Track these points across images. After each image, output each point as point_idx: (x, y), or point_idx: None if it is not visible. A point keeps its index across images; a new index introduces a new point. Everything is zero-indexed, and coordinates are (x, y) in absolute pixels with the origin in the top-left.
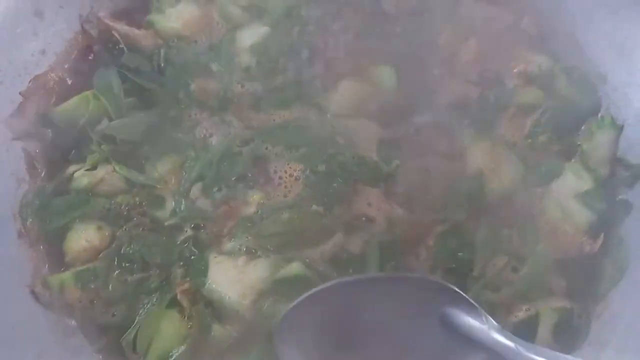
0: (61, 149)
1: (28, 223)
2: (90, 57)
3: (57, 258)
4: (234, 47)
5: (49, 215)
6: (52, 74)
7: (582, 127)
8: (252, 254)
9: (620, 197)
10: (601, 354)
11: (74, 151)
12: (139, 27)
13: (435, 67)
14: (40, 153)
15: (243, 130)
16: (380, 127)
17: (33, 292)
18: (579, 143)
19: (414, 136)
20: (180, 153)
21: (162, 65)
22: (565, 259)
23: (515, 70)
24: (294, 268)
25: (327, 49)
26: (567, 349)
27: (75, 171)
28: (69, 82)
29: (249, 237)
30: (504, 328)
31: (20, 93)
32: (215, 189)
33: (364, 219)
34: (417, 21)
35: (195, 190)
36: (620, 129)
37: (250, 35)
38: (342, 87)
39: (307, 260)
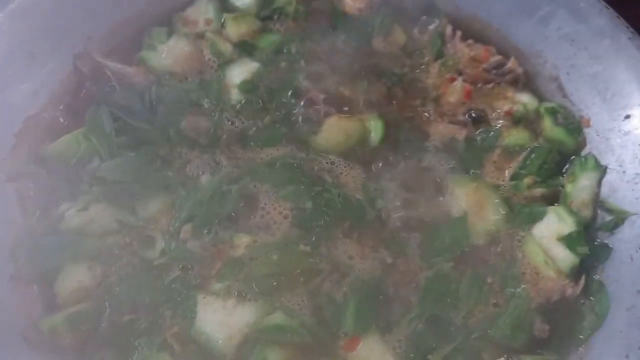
0: (54, 189)
1: (20, 264)
2: (82, 94)
3: (49, 300)
4: (223, 84)
5: (40, 256)
6: (44, 114)
7: (566, 169)
8: (241, 297)
9: (599, 240)
10: None
11: (66, 190)
12: (130, 64)
13: (422, 107)
14: (34, 193)
15: (232, 169)
16: (366, 168)
17: (25, 339)
18: (562, 185)
19: (400, 177)
20: (170, 192)
21: (154, 102)
22: (547, 303)
23: (500, 110)
24: (276, 318)
25: (316, 87)
26: None
27: (67, 211)
28: (62, 121)
29: (238, 280)
30: None
31: (13, 135)
32: (205, 230)
33: (347, 262)
34: (404, 62)
35: (185, 230)
36: (604, 170)
37: (240, 72)
38: (329, 125)
39: (292, 306)
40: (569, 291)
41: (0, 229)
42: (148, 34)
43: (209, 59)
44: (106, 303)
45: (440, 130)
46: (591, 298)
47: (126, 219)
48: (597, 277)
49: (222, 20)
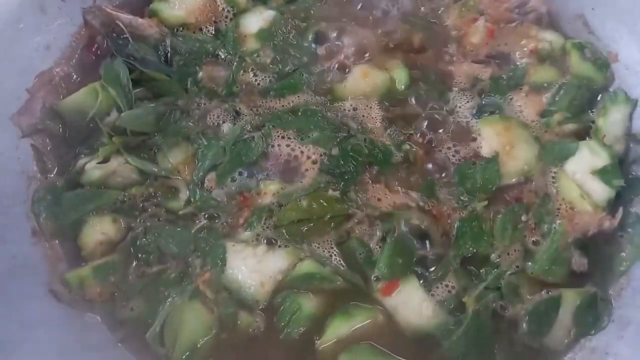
0: (71, 143)
1: (41, 220)
2: (94, 49)
3: (74, 253)
4: (240, 34)
5: (62, 210)
6: (57, 69)
7: (596, 104)
8: (271, 243)
9: (634, 174)
10: (624, 331)
11: (84, 144)
12: (142, 16)
13: (445, 49)
14: (50, 148)
15: (253, 117)
16: (391, 113)
17: (52, 291)
18: (593, 120)
19: (427, 120)
20: (192, 142)
21: (169, 54)
22: (584, 237)
23: (526, 49)
24: (307, 266)
25: (336, 33)
26: (588, 330)
27: (86, 164)
28: (75, 76)
29: (268, 227)
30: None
31: (26, 90)
32: (229, 178)
33: (378, 206)
34: (424, 3)
35: (210, 179)
36: (634, 103)
37: (256, 21)
38: (355, 75)
39: (322, 252)
40: (607, 224)
41: (18, 185)
42: None
43: (223, 9)
44: (133, 255)
45: (465, 70)
46: (629, 230)
47: (149, 170)
48: (633, 209)
49: None
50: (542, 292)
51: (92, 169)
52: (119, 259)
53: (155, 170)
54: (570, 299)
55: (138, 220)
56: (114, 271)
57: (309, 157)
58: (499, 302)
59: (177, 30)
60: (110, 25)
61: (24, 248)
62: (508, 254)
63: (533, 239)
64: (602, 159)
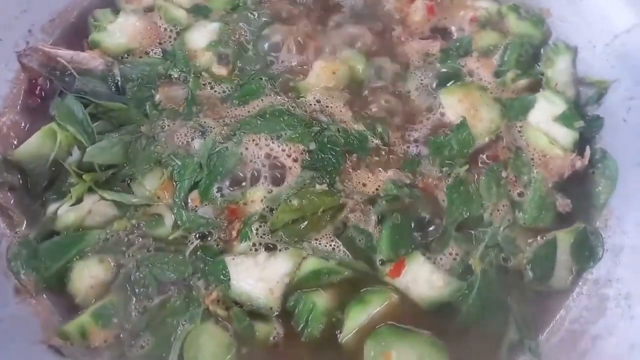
0: (34, 191)
1: (22, 277)
2: (37, 92)
3: (65, 304)
4: (189, 50)
5: (42, 262)
6: (2, 119)
7: (541, 58)
8: (270, 249)
9: (589, 114)
10: (619, 257)
11: (49, 190)
12: (82, 50)
13: (392, 32)
14: (14, 201)
15: (221, 128)
16: (358, 101)
17: (52, 347)
18: (542, 73)
19: (391, 101)
20: (165, 166)
21: (119, 83)
22: (561, 180)
23: (466, 19)
24: (311, 264)
25: (286, 35)
26: (587, 263)
27: (58, 209)
28: (23, 123)
29: (264, 234)
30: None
31: None
32: (212, 193)
33: (366, 191)
34: None
35: (193, 198)
36: (574, 51)
37: (202, 35)
38: (316, 69)
39: (324, 246)
40: (578, 164)
41: None
42: (93, 17)
43: (165, 29)
44: (130, 291)
45: (415, 47)
46: (599, 166)
47: (127, 202)
48: (597, 146)
49: None
50: (538, 239)
51: (66, 212)
52: (117, 299)
53: (135, 200)
54: (564, 239)
55: (127, 255)
56: (115, 312)
57: (289, 156)
58: (501, 257)
59: (123, 57)
60: (50, 65)
61: (10, 309)
62: (498, 210)
63: (517, 191)
64: (559, 106)
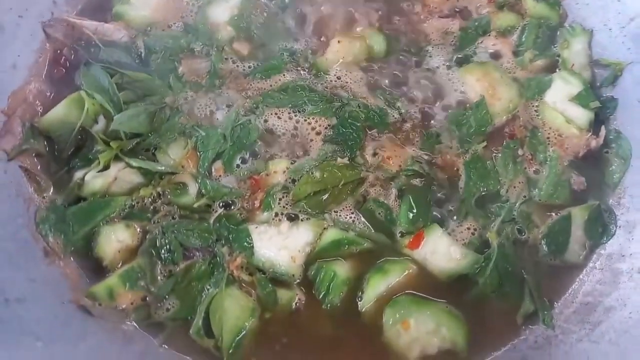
0: (61, 158)
1: (50, 240)
2: (62, 62)
3: (92, 266)
4: (211, 24)
5: (69, 227)
6: (29, 87)
7: (557, 40)
8: (293, 219)
9: (604, 95)
10: (632, 234)
11: (75, 157)
12: (106, 21)
13: (411, 10)
14: (41, 167)
15: (244, 100)
16: (378, 78)
17: (81, 307)
18: (558, 54)
19: (412, 78)
20: (189, 136)
21: (142, 55)
22: (576, 159)
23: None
24: (332, 234)
25: (308, 11)
26: (600, 240)
27: (85, 175)
28: (48, 92)
29: (286, 204)
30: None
31: (1, 112)
32: (236, 163)
33: (386, 165)
34: None
35: (217, 168)
36: (590, 33)
37: (224, 9)
38: (333, 45)
39: (344, 217)
40: (593, 143)
41: (17, 209)
42: None
43: (188, 2)
44: (156, 256)
45: (435, 25)
46: (612, 146)
47: (153, 169)
48: (612, 126)
49: None
50: (553, 215)
51: (93, 179)
52: (143, 263)
53: (160, 168)
54: (578, 215)
55: (152, 222)
56: (142, 275)
57: (313, 129)
58: (516, 231)
59: (146, 30)
60: (74, 35)
61: (40, 270)
62: (514, 187)
63: (533, 168)
64: (575, 86)
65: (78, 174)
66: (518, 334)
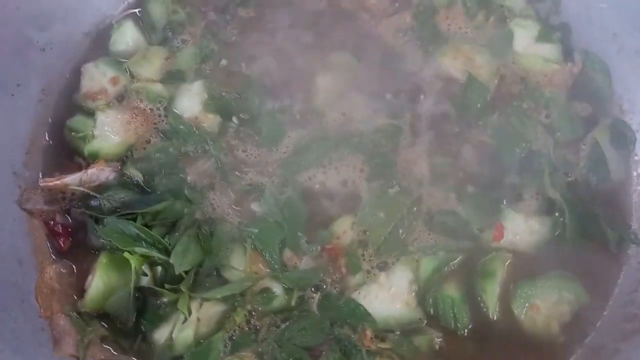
0: (128, 329)
1: None
2: (61, 232)
3: None
4: (188, 120)
5: None
6: (45, 276)
7: None
8: (384, 267)
9: (555, 23)
10: None
11: (141, 321)
12: (79, 167)
13: (360, 20)
14: (115, 350)
15: (272, 178)
16: (371, 96)
17: None
18: (501, 4)
19: (395, 83)
20: (242, 240)
21: (141, 181)
22: (568, 89)
23: None
24: (427, 264)
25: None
26: (628, 148)
27: (172, 334)
28: (68, 269)
29: (370, 257)
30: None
31: (40, 316)
32: (303, 244)
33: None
34: None
35: (288, 257)
36: None
37: (191, 99)
38: (320, 83)
39: (426, 242)
40: (575, 69)
41: None
42: (70, 130)
43: (152, 109)
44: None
45: (389, 26)
46: (588, 64)
47: (233, 291)
48: (577, 49)
49: (127, 71)
50: (581, 146)
51: (181, 333)
52: None
53: (241, 286)
54: (601, 136)
55: (261, 341)
56: None
57: (352, 172)
58: (563, 176)
59: (128, 157)
60: (59, 197)
61: None
62: (538, 139)
63: (542, 115)
64: (533, 27)
65: (158, 336)
66: (621, 262)
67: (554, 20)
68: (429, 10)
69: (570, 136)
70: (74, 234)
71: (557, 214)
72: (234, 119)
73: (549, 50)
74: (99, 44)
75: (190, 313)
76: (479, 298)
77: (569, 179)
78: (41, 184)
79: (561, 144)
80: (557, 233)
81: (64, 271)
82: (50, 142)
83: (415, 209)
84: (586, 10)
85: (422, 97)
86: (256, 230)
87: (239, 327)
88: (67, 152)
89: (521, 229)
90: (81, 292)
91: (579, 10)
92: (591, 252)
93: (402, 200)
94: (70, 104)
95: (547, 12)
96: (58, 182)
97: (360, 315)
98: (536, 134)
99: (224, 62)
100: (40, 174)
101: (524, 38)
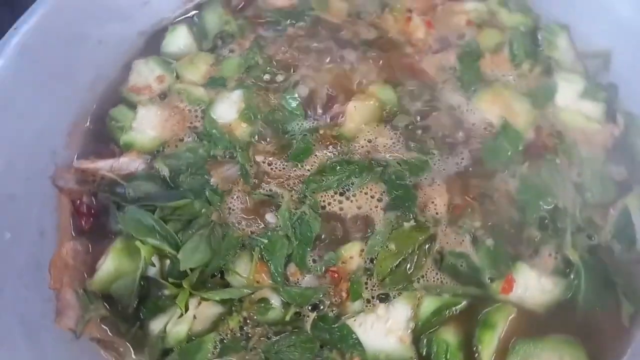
0: (127, 314)
1: None
2: (85, 212)
3: None
4: (222, 125)
5: None
6: (63, 250)
7: (541, 42)
8: (384, 299)
9: (603, 82)
10: None
11: (141, 309)
12: (112, 155)
13: (403, 54)
14: (111, 332)
15: (289, 193)
16: (401, 132)
17: None
18: (549, 56)
19: (433, 122)
20: (250, 248)
21: (168, 177)
22: (606, 151)
23: (462, 23)
24: (430, 305)
25: (311, 86)
26: None
27: (166, 326)
28: (85, 247)
29: (373, 286)
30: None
31: (49, 287)
32: (310, 260)
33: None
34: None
35: (292, 272)
36: (567, 28)
37: (229, 106)
38: (349, 112)
39: (431, 280)
40: (616, 131)
41: None
42: (111, 118)
43: (190, 110)
44: None
45: (433, 62)
46: (630, 127)
47: (232, 295)
48: (621, 111)
49: (174, 72)
50: (610, 211)
51: (175, 326)
52: None
53: (242, 291)
54: (633, 203)
55: (249, 350)
56: None
57: (371, 199)
58: (587, 239)
59: (159, 151)
60: (89, 179)
61: None
62: (567, 196)
63: (574, 172)
64: (578, 83)
65: (154, 326)
66: (631, 336)
67: (602, 79)
68: (475, 54)
69: (600, 199)
70: (96, 215)
71: (572, 277)
72: (265, 131)
73: (592, 108)
74: (151, 43)
75: (187, 309)
76: (475, 348)
77: (592, 242)
78: (75, 165)
79: (590, 205)
80: (569, 296)
81: (80, 249)
82: (91, 127)
83: (427, 246)
84: (636, 74)
85: (455, 137)
86: (266, 241)
87: (231, 331)
88: (104, 139)
89: (532, 285)
90: (92, 271)
91: (628, 72)
92: (601, 321)
93: (416, 235)
94: (117, 95)
95: (596, 70)
96: (91, 165)
97: (351, 344)
98: (565, 191)
99: (266, 76)
100: (76, 155)
101: (568, 92)
